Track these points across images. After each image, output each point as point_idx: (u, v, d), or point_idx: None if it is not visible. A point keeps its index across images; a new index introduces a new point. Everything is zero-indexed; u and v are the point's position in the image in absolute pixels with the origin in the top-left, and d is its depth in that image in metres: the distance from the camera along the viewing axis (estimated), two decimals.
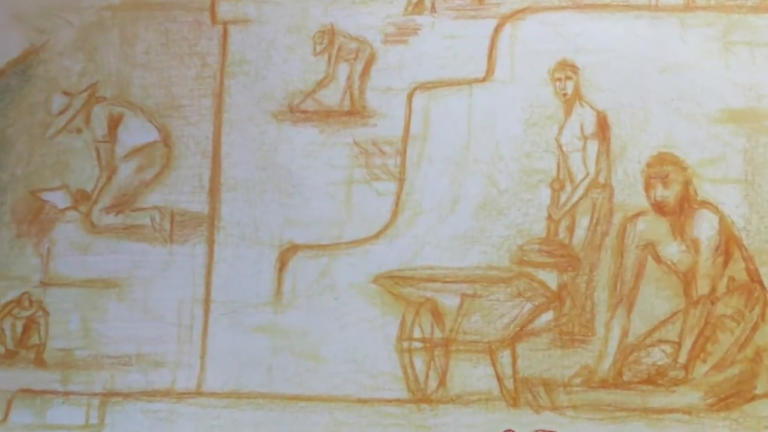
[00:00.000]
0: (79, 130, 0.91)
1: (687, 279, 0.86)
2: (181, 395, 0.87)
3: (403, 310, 0.87)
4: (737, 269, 0.86)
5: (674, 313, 0.86)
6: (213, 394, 0.87)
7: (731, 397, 0.85)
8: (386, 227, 0.88)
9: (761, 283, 0.85)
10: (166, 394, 0.88)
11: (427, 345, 0.86)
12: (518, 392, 0.85)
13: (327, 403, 0.86)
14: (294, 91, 0.90)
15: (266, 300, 0.88)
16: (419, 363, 0.86)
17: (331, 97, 0.90)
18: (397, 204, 0.88)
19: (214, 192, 0.89)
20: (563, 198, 0.87)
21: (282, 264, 0.88)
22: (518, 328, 0.86)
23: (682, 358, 0.85)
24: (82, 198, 0.90)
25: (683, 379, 0.85)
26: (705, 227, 0.86)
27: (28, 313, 0.89)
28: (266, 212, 0.89)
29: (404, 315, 0.87)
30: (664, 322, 0.86)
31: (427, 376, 0.86)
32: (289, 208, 0.89)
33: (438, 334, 0.87)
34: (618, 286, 0.86)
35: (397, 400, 0.86)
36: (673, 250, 0.86)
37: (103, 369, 0.88)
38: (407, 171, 0.88)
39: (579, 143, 0.88)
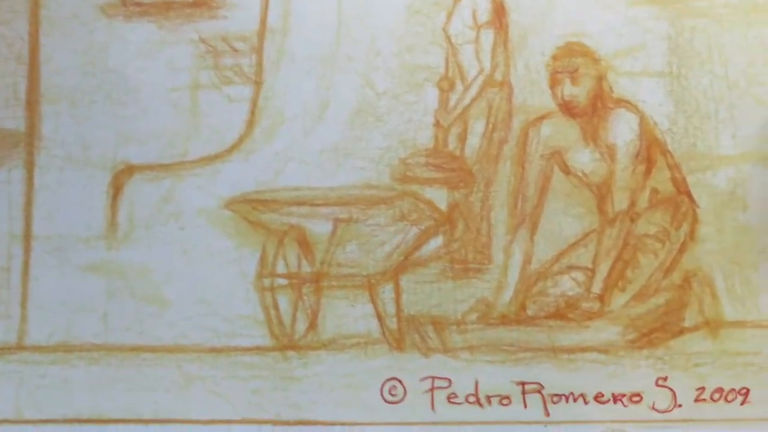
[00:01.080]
0: None
1: (601, 192, 0.72)
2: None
3: (264, 240, 0.72)
4: (661, 179, 0.72)
5: (587, 234, 0.72)
6: (37, 348, 0.72)
7: (655, 331, 0.71)
8: (240, 141, 0.72)
9: (689, 195, 0.72)
10: None
11: (294, 281, 0.72)
12: (403, 333, 0.71)
13: (174, 354, 0.72)
14: None
15: (98, 233, 0.73)
16: (284, 303, 0.72)
17: None
18: (253, 112, 0.73)
19: (32, 105, 0.74)
20: (453, 100, 0.72)
21: (116, 189, 0.73)
22: (402, 258, 0.72)
23: (597, 287, 0.72)
24: None
25: (598, 311, 0.71)
26: (622, 130, 0.72)
27: None
28: (96, 127, 0.73)
29: (265, 246, 0.72)
30: (574, 245, 0.72)
31: (294, 319, 0.72)
32: (123, 121, 0.73)
33: (306, 268, 0.72)
34: (519, 204, 0.72)
35: (259, 348, 0.72)
36: (584, 159, 0.72)
37: None
38: (265, 72, 0.73)
39: (471, 33, 0.73)
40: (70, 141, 0.73)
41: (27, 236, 0.73)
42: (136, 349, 0.72)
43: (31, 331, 0.72)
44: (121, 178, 0.73)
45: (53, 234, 0.73)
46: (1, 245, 0.73)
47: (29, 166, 0.73)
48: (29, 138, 0.73)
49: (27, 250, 0.73)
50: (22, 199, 0.73)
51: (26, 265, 0.73)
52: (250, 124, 0.72)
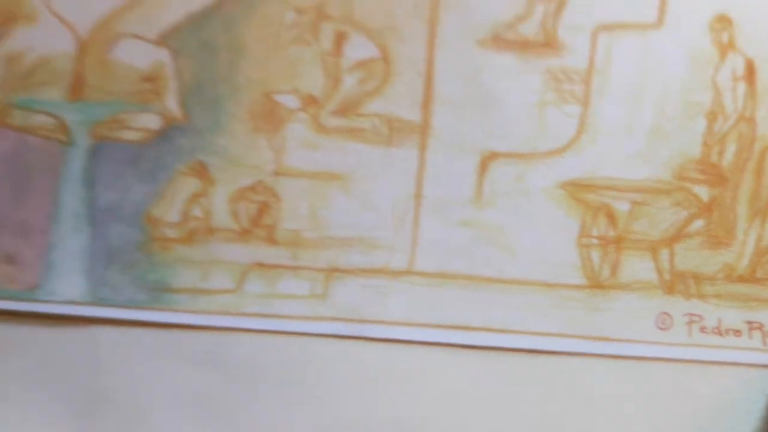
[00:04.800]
0: (307, 43, 1.04)
1: None
2: (395, 274, 1.04)
3: (583, 213, 1.05)
4: None
5: None
6: (422, 274, 1.04)
7: None
8: (572, 143, 1.05)
9: None
10: (382, 271, 1.04)
11: (603, 242, 1.05)
12: (673, 283, 1.05)
13: (521, 287, 1.04)
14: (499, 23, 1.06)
15: (469, 197, 1.04)
16: (595, 257, 1.05)
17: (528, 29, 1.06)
18: (582, 125, 1.05)
19: (426, 104, 1.04)
20: (716, 128, 1.06)
21: (483, 168, 1.04)
22: (676, 232, 1.05)
23: None
24: (310, 102, 1.03)
25: None
26: None
27: (261, 198, 1.03)
28: (468, 123, 1.05)
29: (584, 217, 1.05)
30: None
31: (601, 268, 1.05)
32: (490, 122, 1.04)
33: (611, 233, 1.05)
34: (755, 202, 1.06)
35: (577, 286, 1.05)
36: None
37: (328, 249, 1.03)
38: (591, 98, 1.06)
39: (731, 83, 1.07)
40: (448, 132, 1.05)
41: (418, 196, 1.04)
42: (496, 280, 1.04)
43: (417, 262, 1.04)
44: (487, 161, 1.05)
45: (437, 195, 1.05)
46: (399, 202, 1.04)
47: (422, 149, 1.05)
48: (423, 128, 1.05)
49: (417, 206, 1.04)
50: (416, 171, 1.04)
51: (416, 217, 1.04)
52: (579, 132, 1.05)
